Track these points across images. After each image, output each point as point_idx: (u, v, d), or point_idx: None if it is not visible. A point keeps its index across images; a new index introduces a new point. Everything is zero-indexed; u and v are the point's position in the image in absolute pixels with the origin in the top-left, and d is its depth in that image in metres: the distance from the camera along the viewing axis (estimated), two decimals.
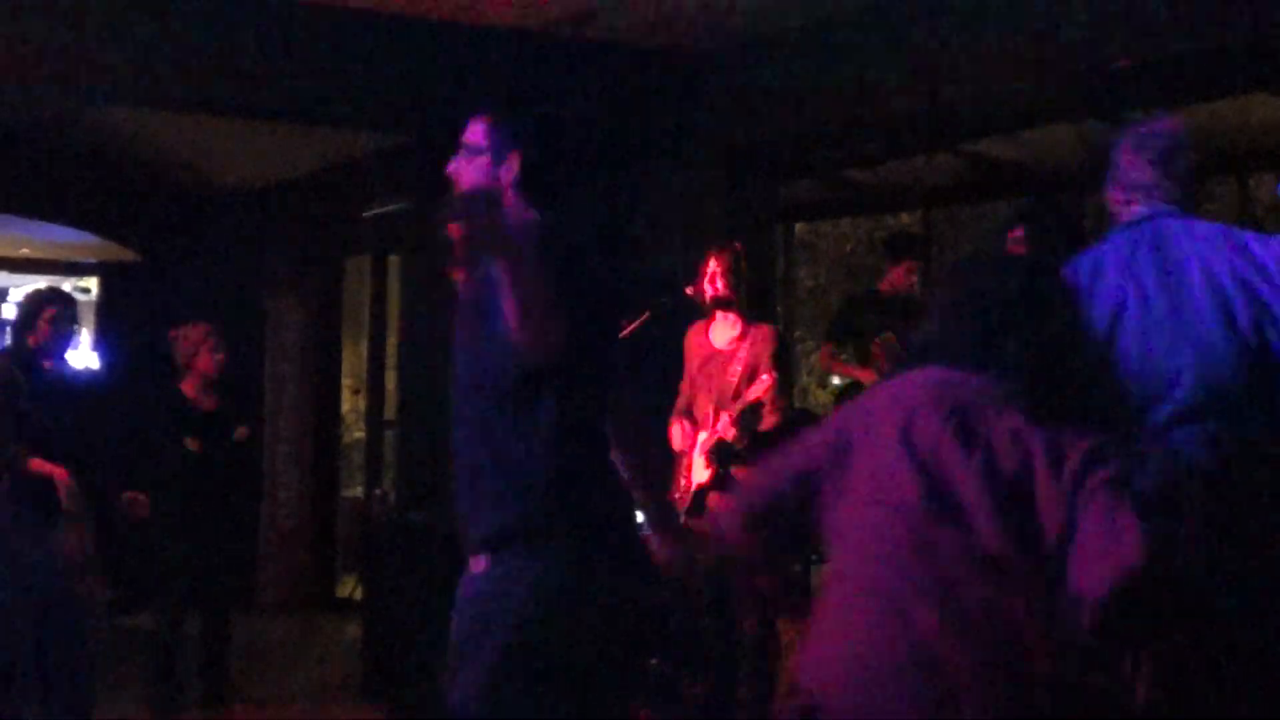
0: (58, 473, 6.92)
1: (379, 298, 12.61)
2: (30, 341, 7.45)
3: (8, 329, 7.99)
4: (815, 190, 12.02)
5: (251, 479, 9.26)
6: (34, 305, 7.58)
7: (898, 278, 9.01)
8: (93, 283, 16.10)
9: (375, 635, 9.32)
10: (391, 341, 12.41)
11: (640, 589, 3.92)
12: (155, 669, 8.67)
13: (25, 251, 14.97)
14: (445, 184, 3.83)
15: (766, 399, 7.33)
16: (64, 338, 7.60)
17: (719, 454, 7.35)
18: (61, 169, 12.02)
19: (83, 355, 16.41)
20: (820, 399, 14.06)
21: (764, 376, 7.33)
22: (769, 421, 7.41)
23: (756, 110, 9.15)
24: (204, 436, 8.51)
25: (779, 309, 10.67)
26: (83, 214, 12.60)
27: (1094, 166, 10.58)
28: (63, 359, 7.72)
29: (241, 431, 8.75)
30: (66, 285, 17.84)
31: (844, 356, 9.26)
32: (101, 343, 15.14)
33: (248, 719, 8.65)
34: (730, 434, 7.34)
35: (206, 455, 8.51)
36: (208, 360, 8.62)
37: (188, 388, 8.64)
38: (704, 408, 7.46)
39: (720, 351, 7.50)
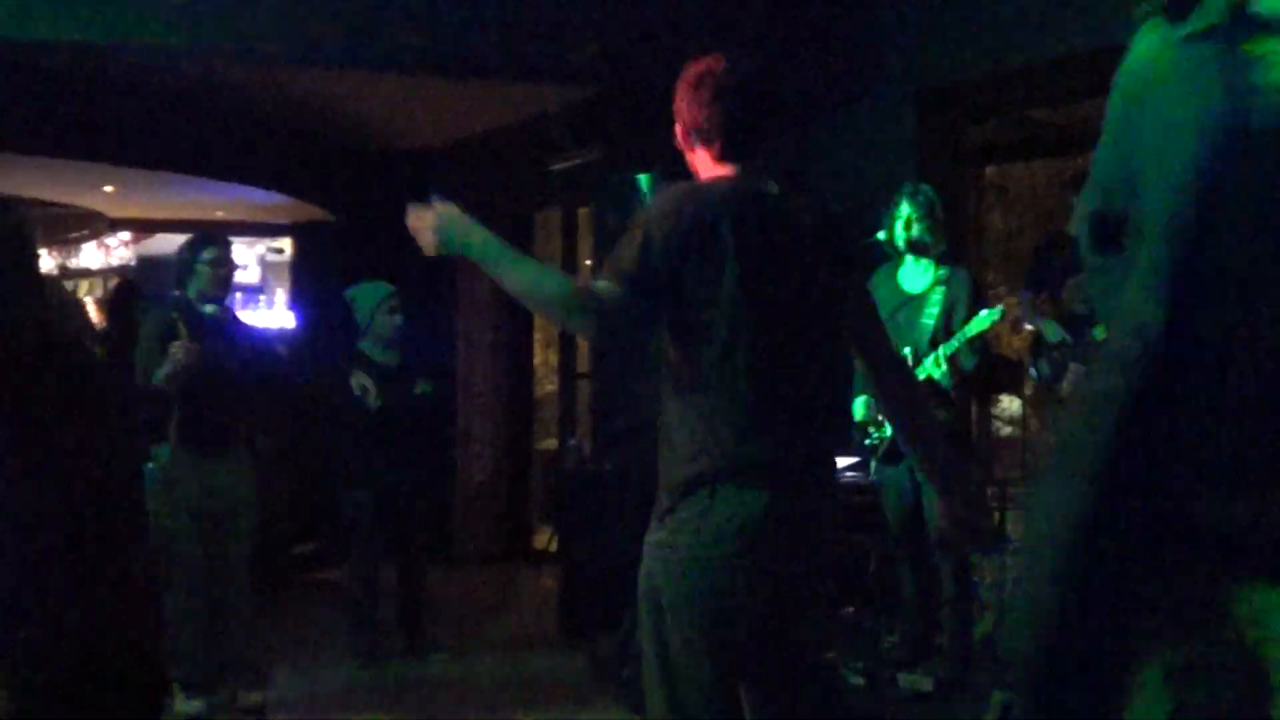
0: None
1: (570, 251, 12.63)
2: (190, 286, 7.44)
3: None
4: (1004, 132, 11.83)
5: (438, 433, 9.31)
6: (191, 250, 7.53)
7: None
8: (286, 243, 16.40)
9: (571, 586, 9.39)
10: None
11: (834, 534, 3.81)
12: (354, 621, 8.84)
13: (220, 214, 15.24)
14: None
15: (989, 333, 7.28)
16: (224, 281, 7.55)
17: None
18: (253, 132, 12.19)
19: (279, 314, 16.72)
20: (1014, 345, 13.84)
21: (993, 308, 7.25)
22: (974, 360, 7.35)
23: (944, 52, 9.02)
24: (384, 392, 8.60)
25: (970, 252, 10.52)
26: (275, 176, 12.78)
27: None
28: (226, 304, 7.70)
29: (423, 387, 8.83)
30: (260, 247, 18.21)
31: (1037, 303, 9.10)
32: (296, 302, 15.41)
33: (446, 669, 8.74)
34: (939, 373, 7.26)
35: (387, 410, 8.60)
36: (382, 320, 8.76)
37: (368, 345, 8.79)
38: None
39: (914, 297, 7.42)
